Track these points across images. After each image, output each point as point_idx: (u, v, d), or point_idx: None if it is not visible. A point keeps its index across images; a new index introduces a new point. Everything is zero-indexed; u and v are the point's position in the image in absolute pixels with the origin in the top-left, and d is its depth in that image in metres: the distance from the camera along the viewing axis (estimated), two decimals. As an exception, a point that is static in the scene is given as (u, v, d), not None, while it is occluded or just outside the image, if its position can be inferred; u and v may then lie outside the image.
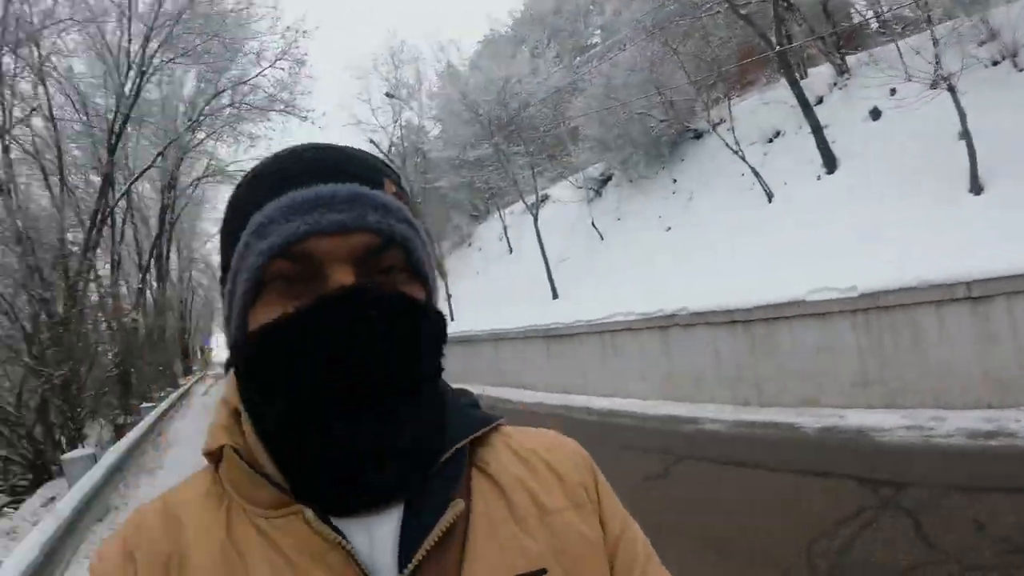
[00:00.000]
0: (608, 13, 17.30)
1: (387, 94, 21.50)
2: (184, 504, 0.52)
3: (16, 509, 6.98)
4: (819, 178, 10.52)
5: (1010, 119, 8.06)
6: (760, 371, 7.24)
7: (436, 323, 0.53)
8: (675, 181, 15.27)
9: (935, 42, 7.78)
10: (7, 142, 8.77)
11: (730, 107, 12.56)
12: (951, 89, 7.25)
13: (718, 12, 11.61)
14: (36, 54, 9.83)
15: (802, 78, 12.93)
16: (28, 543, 3.10)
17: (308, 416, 0.47)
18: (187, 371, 28.92)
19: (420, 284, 0.52)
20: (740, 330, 7.46)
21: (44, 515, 4.04)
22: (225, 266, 0.52)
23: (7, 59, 9.11)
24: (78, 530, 4.00)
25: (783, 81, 12.80)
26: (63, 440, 8.30)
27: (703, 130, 15.01)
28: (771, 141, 12.76)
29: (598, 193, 18.07)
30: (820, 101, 12.27)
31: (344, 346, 0.46)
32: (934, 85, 7.59)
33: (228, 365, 0.55)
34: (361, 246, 0.48)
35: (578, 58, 18.29)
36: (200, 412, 15.58)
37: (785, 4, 11.73)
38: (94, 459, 4.87)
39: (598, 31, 18.89)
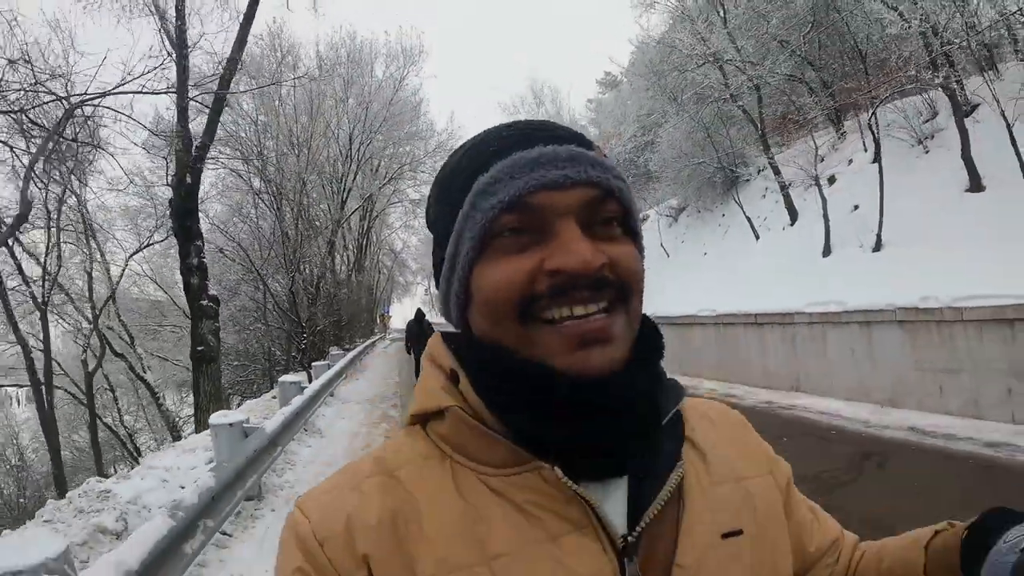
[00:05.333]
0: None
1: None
2: (403, 467, 0.54)
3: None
4: (784, 228, 14.68)
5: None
6: (681, 357, 12.23)
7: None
8: (723, 216, 19.53)
9: (815, 144, 11.93)
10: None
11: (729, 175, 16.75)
12: (817, 183, 11.50)
13: (731, 97, 15.93)
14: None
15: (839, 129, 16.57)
16: (324, 377, 9.68)
17: (557, 390, 0.49)
18: (372, 332, 38.24)
19: (632, 239, 0.55)
20: (674, 331, 12.46)
21: (324, 371, 10.72)
22: (440, 233, 0.56)
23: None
24: (338, 379, 10.68)
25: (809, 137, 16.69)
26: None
27: (751, 175, 19.08)
28: (782, 190, 16.71)
29: (675, 219, 22.68)
30: (822, 160, 15.97)
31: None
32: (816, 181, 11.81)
33: (450, 332, 0.59)
34: (583, 198, 0.51)
35: (652, 114, 22.82)
36: (380, 357, 23.37)
37: (798, 78, 15.66)
38: (344, 354, 11.76)
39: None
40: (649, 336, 0.57)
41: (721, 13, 15.72)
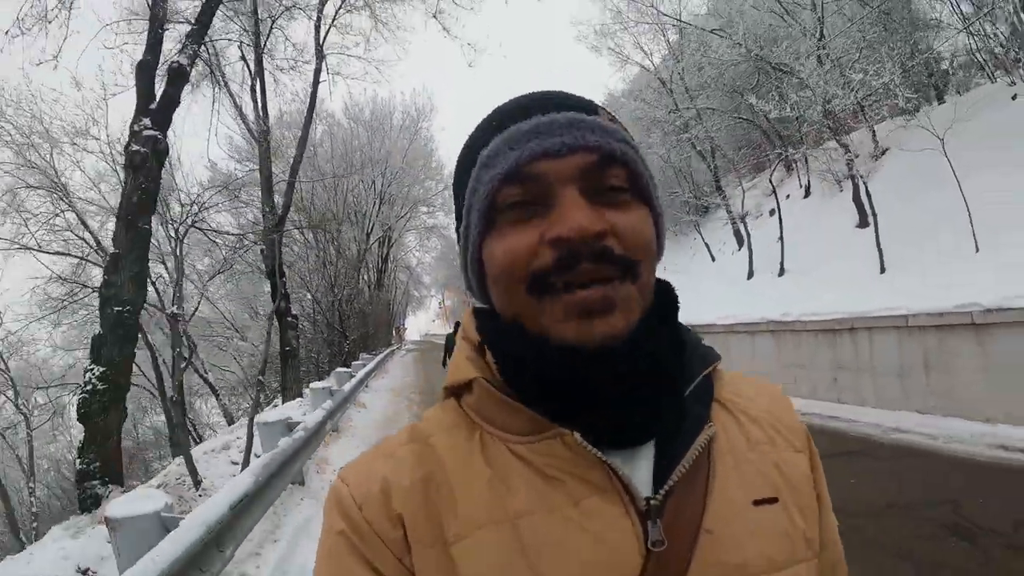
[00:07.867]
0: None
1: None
2: (435, 435, 0.56)
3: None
4: (733, 252, 17.83)
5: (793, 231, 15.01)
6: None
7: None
8: (694, 240, 22.64)
9: (741, 188, 15.10)
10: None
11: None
12: (743, 220, 14.66)
13: (691, 144, 19.21)
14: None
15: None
16: (363, 372, 13.07)
17: (572, 356, 0.50)
18: (390, 342, 41.85)
19: (644, 204, 0.54)
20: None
21: (360, 369, 14.07)
22: (457, 210, 0.58)
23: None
24: (372, 374, 14.08)
25: (764, 172, 19.86)
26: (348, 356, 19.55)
27: (715, 203, 22.22)
28: (731, 219, 19.81)
29: (655, 241, 25.90)
30: (771, 193, 19.06)
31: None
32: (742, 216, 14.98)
33: (475, 310, 0.60)
34: (584, 164, 0.50)
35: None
36: (398, 364, 26.77)
37: (750, 120, 18.84)
38: (373, 357, 15.17)
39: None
40: (665, 301, 0.57)
41: (682, 77, 18.99)
